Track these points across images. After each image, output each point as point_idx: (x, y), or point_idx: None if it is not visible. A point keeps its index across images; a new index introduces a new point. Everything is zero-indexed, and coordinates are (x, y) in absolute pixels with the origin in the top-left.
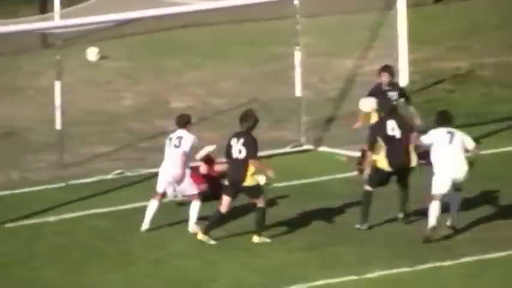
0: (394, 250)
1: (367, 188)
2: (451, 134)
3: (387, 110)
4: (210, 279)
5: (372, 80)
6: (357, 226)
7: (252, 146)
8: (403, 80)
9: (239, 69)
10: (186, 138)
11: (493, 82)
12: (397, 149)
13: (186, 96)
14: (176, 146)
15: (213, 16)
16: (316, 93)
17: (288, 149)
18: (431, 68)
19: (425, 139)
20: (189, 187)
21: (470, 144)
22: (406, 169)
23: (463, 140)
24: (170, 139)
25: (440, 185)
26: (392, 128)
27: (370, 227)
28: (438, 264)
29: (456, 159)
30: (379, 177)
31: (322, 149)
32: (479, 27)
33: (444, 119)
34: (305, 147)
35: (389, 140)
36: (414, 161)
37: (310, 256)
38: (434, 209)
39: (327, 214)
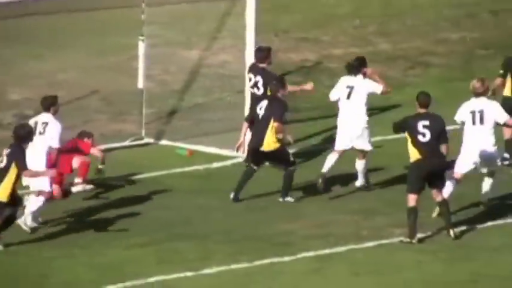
0: (233, 246)
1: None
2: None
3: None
4: (44, 275)
5: (217, 71)
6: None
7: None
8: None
9: (81, 60)
10: (51, 126)
11: (340, 74)
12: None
13: (24, 87)
14: (40, 133)
15: (57, 4)
16: (159, 85)
17: (128, 143)
18: (278, 59)
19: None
20: (42, 182)
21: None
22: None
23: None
24: (36, 123)
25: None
26: (260, 108)
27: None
28: (277, 259)
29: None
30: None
31: (163, 142)
32: (328, 18)
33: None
34: (145, 140)
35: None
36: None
37: (148, 252)
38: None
39: (167, 209)
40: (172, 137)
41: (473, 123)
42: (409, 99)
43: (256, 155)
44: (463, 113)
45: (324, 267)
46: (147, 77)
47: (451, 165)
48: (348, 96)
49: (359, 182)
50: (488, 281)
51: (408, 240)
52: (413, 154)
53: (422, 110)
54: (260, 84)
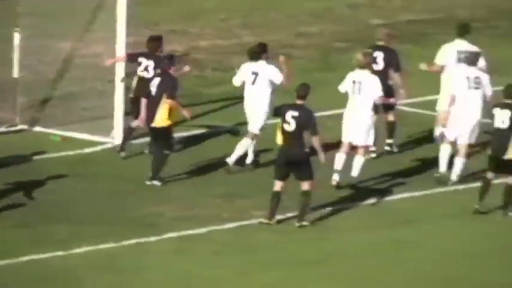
0: (102, 227)
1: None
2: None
3: None
4: None
5: (90, 62)
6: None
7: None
8: (119, 69)
9: None
10: None
11: (206, 65)
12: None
13: None
14: None
15: None
16: (34, 74)
17: (2, 129)
18: None
19: None
20: None
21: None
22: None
23: None
24: None
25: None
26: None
27: None
28: (143, 240)
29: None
30: None
31: (37, 129)
32: (196, 11)
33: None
34: (20, 127)
35: None
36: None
37: (22, 233)
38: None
39: (41, 193)
40: (46, 124)
41: (353, 92)
42: None
43: (151, 133)
44: (346, 83)
45: (188, 247)
46: (22, 67)
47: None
48: (253, 82)
49: (249, 159)
50: (337, 259)
51: (267, 221)
52: (279, 140)
53: (298, 101)
54: (151, 68)
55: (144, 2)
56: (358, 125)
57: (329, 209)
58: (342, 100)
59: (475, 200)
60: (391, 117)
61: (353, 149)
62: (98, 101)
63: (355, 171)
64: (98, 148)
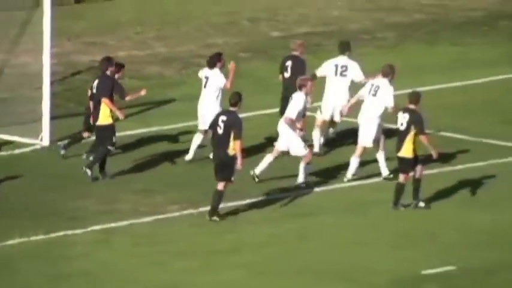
0: (33, 220)
1: None
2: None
3: None
4: None
5: (19, 71)
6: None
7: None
8: (46, 71)
9: None
10: None
11: (125, 74)
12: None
13: None
14: None
15: None
16: None
17: None
18: (71, 60)
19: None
20: None
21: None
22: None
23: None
24: None
25: None
26: (93, 87)
27: None
28: (70, 232)
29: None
30: None
31: None
32: (114, 25)
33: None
34: None
35: None
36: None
37: None
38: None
39: None
40: None
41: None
42: (183, 94)
43: (95, 131)
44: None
45: (110, 239)
46: None
47: (233, 160)
48: (205, 85)
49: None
50: (245, 248)
51: (208, 217)
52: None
53: (230, 108)
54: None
55: (65, 17)
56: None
57: (239, 203)
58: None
59: (368, 194)
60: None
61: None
62: (27, 107)
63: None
64: (28, 149)
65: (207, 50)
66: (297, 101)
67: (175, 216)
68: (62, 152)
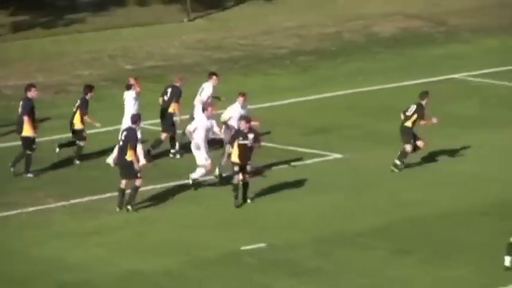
0: None
1: None
2: None
3: None
4: None
5: None
6: None
7: None
8: None
9: None
10: None
11: (14, 98)
12: None
13: None
14: None
15: None
16: None
17: None
18: None
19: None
20: None
21: None
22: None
23: None
24: None
25: None
26: None
27: None
28: None
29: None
30: None
31: None
32: (3, 59)
33: None
34: None
35: None
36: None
37: None
38: None
39: None
40: None
41: None
42: (57, 114)
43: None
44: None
45: (3, 225)
46: None
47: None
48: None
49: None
50: (107, 231)
51: (118, 209)
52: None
53: (131, 125)
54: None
55: None
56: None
57: (101, 196)
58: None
59: (204, 190)
60: (163, 135)
61: None
62: None
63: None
64: None
65: (77, 79)
66: (200, 118)
67: (52, 207)
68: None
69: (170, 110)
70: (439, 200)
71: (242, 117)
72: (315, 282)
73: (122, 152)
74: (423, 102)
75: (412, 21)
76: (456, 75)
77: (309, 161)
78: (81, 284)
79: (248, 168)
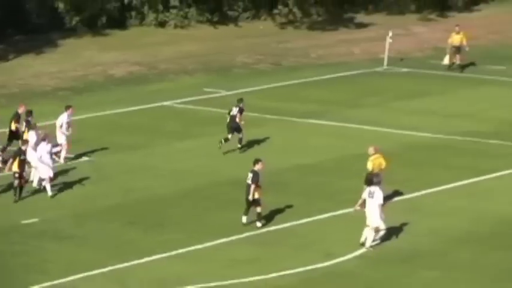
0: None
1: None
2: None
3: None
4: None
5: None
6: None
7: None
8: None
9: None
10: None
11: None
12: None
13: None
14: None
15: None
16: None
17: None
18: None
19: None
20: None
21: None
22: None
23: None
24: None
25: None
26: None
27: None
28: None
29: None
30: None
31: None
32: None
33: None
34: None
35: None
36: None
37: None
38: None
39: None
40: None
41: None
42: None
43: None
44: None
45: None
46: None
47: None
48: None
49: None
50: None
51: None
52: None
53: None
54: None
55: None
56: None
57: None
58: None
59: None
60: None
61: None
62: None
63: None
64: None
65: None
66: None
67: None
68: None
69: None
70: (154, 187)
71: None
72: (75, 245)
73: None
74: None
75: (135, 66)
76: (165, 103)
77: None
78: None
79: None
